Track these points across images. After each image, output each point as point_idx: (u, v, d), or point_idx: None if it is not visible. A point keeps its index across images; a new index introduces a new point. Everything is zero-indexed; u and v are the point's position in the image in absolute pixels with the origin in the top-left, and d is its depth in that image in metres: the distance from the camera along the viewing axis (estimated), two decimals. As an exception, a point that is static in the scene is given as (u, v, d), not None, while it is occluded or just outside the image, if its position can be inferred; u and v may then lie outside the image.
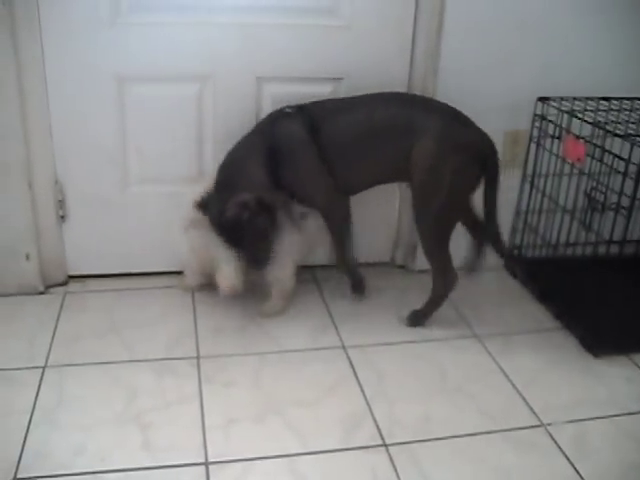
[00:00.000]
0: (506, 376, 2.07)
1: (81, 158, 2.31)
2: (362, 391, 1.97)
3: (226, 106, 2.30)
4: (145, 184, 2.37)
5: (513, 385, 2.03)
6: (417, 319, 2.29)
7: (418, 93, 2.38)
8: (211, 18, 2.22)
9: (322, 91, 2.31)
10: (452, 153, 2.06)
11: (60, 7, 2.12)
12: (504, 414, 1.92)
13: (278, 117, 2.17)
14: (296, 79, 2.32)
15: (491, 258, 2.53)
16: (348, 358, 2.12)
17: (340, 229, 2.28)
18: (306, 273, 2.52)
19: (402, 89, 2.39)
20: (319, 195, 2.20)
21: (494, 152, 2.11)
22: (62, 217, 2.37)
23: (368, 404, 1.92)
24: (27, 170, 2.26)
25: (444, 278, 2.22)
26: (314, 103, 2.18)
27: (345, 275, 2.42)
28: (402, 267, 2.68)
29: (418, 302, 2.31)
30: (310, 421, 1.85)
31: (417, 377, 2.06)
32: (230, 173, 2.17)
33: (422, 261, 2.47)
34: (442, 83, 2.37)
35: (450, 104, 2.16)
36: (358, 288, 2.43)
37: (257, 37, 2.26)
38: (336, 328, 2.27)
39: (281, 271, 2.24)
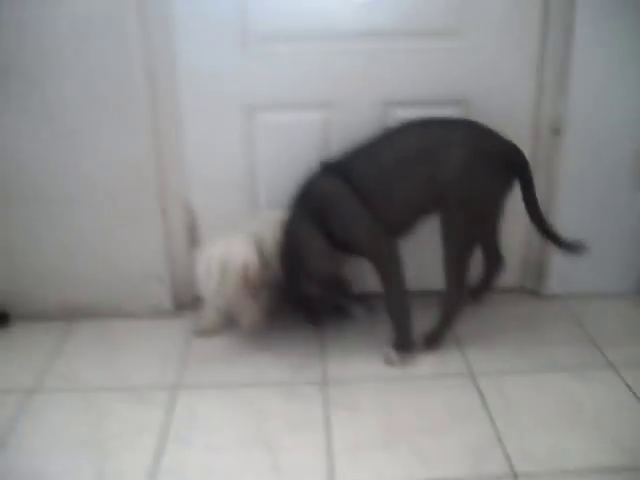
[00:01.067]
0: (646, 409, 1.97)
1: (212, 185, 2.39)
2: (491, 419, 1.92)
3: (352, 132, 2.30)
4: (274, 209, 2.40)
5: (654, 419, 1.93)
6: (432, 342, 2.24)
7: (547, 112, 2.33)
8: (336, 45, 2.25)
9: (448, 114, 2.28)
10: (481, 160, 2.05)
11: (192, 42, 2.21)
12: (644, 449, 1.82)
13: (310, 180, 2.17)
14: (421, 102, 2.30)
15: (627, 283, 2.44)
16: (475, 385, 2.07)
17: (394, 275, 2.17)
18: (434, 298, 2.47)
19: (529, 110, 2.35)
20: (370, 241, 2.15)
21: (523, 157, 2.10)
22: (193, 241, 2.44)
23: (498, 434, 1.87)
24: (160, 197, 2.35)
25: (459, 295, 2.18)
26: (337, 157, 2.18)
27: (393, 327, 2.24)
28: (532, 292, 2.59)
29: (549, 329, 2.24)
30: (438, 449, 1.81)
31: (548, 407, 1.98)
32: (292, 252, 2.18)
33: (554, 285, 2.40)
34: (571, 102, 2.30)
35: (579, 122, 2.18)
36: (401, 347, 2.23)
37: (382, 62, 2.27)
38: (463, 354, 2.22)
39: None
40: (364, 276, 2.33)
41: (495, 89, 2.31)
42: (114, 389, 2.09)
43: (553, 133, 2.35)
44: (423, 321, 2.25)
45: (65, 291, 2.45)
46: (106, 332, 2.40)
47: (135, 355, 2.26)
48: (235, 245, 2.14)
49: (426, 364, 2.18)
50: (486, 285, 2.45)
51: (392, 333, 2.20)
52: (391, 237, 2.16)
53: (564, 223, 2.37)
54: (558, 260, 2.43)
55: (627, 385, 2.06)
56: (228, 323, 2.35)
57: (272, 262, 2.21)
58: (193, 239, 2.45)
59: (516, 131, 2.33)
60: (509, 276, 2.58)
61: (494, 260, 2.39)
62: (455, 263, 2.15)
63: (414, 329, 2.21)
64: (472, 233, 2.15)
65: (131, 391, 2.08)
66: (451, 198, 2.07)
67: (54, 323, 2.43)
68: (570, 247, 2.16)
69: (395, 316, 2.20)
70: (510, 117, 2.33)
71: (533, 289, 2.59)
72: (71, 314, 2.47)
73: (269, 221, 2.27)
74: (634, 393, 2.02)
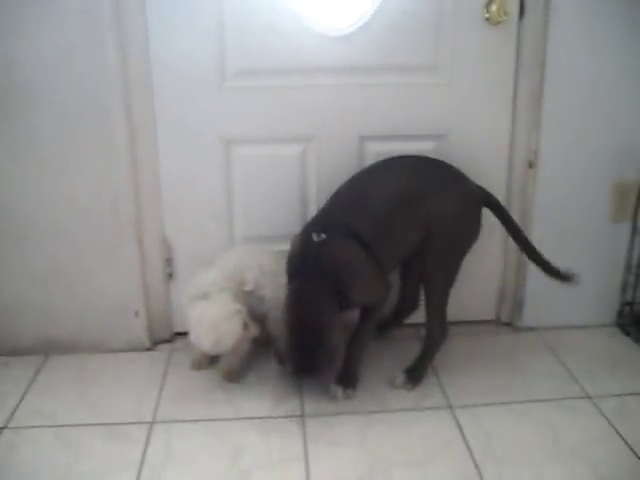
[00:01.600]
0: (624, 440, 1.96)
1: (188, 217, 2.38)
2: (470, 453, 1.91)
3: (329, 165, 2.33)
4: (250, 243, 2.39)
5: (633, 451, 1.92)
6: (415, 376, 2.23)
7: (522, 146, 2.37)
8: (314, 80, 2.26)
9: (425, 148, 2.30)
10: (471, 205, 2.18)
11: (170, 76, 2.22)
12: (623, 481, 1.82)
13: (320, 250, 2.02)
14: (399, 137, 2.33)
15: (602, 315, 2.46)
16: (454, 418, 2.07)
17: (378, 316, 2.22)
18: (411, 330, 2.48)
19: (504, 143, 2.38)
20: (383, 294, 2.17)
21: (495, 199, 2.24)
22: (170, 275, 2.43)
23: (477, 466, 1.86)
24: (137, 230, 2.34)
25: (442, 328, 2.20)
26: (327, 213, 2.14)
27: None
28: (508, 324, 2.60)
29: (526, 361, 2.25)
30: (418, 483, 1.80)
31: (527, 438, 1.98)
32: (306, 326, 2.00)
33: (529, 317, 2.42)
34: (545, 136, 2.34)
35: (553, 155, 2.28)
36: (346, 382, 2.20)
37: (360, 97, 2.29)
38: (441, 386, 2.22)
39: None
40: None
41: (471, 123, 2.34)
42: (90, 425, 2.06)
43: (528, 166, 2.38)
44: (398, 354, 2.27)
45: (40, 325, 2.41)
46: (82, 367, 2.36)
47: (111, 390, 2.22)
48: (225, 305, 2.10)
49: (406, 398, 2.17)
50: (397, 322, 2.45)
51: (343, 369, 2.13)
52: (389, 283, 2.19)
53: (539, 250, 2.39)
54: (533, 292, 2.45)
55: (605, 416, 2.07)
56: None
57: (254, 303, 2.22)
58: (169, 273, 2.43)
59: (491, 164, 2.38)
60: (485, 308, 2.60)
61: (412, 299, 2.40)
62: (438, 299, 2.18)
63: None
64: (455, 271, 2.18)
65: (107, 427, 2.04)
66: (440, 239, 2.11)
67: (28, 358, 2.39)
68: (560, 275, 2.21)
69: (357, 352, 2.18)
70: (486, 150, 2.37)
71: (508, 321, 2.61)
72: (46, 348, 2.43)
73: (247, 256, 2.27)
74: (612, 424, 2.03)
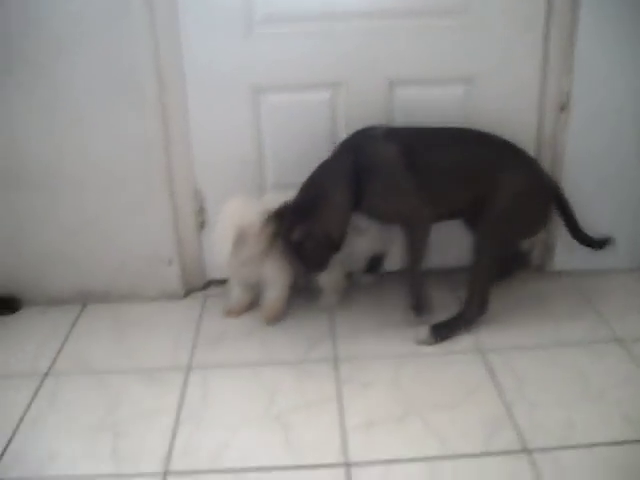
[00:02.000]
0: (655, 382, 1.98)
1: (219, 166, 2.40)
2: (501, 395, 1.94)
3: (358, 111, 2.32)
4: (281, 190, 2.40)
5: (662, 392, 1.94)
6: (440, 334, 2.20)
7: (553, 88, 2.34)
8: (341, 25, 2.24)
9: (454, 92, 2.29)
10: (539, 193, 2.19)
11: (198, 24, 2.21)
12: (653, 422, 1.84)
13: (369, 137, 2.15)
14: (427, 81, 2.31)
15: (633, 259, 2.46)
16: (485, 361, 2.09)
17: (422, 244, 2.21)
18: (442, 275, 2.49)
19: (535, 87, 2.35)
20: (409, 210, 2.16)
21: (562, 192, 2.27)
22: (202, 224, 2.46)
23: (508, 408, 1.89)
24: (168, 180, 2.36)
25: (481, 307, 2.20)
26: (402, 128, 2.21)
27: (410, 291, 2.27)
28: (539, 269, 2.61)
29: (557, 304, 2.25)
30: (450, 424, 1.84)
31: (557, 381, 2.00)
32: (313, 194, 2.13)
33: (560, 261, 2.41)
34: (578, 78, 2.30)
35: (585, 98, 2.27)
36: (418, 308, 2.27)
37: (388, 41, 2.27)
38: (473, 331, 2.23)
39: (330, 277, 2.31)
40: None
41: (501, 67, 2.31)
42: (127, 371, 2.11)
43: (559, 109, 2.36)
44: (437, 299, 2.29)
45: (75, 275, 2.47)
46: (118, 315, 2.42)
47: (147, 337, 2.28)
48: (238, 205, 2.16)
49: (436, 341, 2.20)
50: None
51: (410, 298, 2.24)
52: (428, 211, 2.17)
53: (571, 197, 2.38)
54: (564, 236, 2.44)
55: (634, 359, 2.08)
56: (254, 301, 2.38)
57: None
58: (201, 222, 2.46)
59: (521, 108, 2.36)
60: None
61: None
62: (481, 275, 2.19)
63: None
64: (505, 247, 2.21)
65: (144, 373, 2.10)
66: (498, 215, 2.12)
67: (65, 307, 2.45)
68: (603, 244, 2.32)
69: (411, 280, 2.24)
70: (516, 94, 2.34)
71: (540, 266, 2.61)
72: (82, 298, 2.49)
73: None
74: (642, 366, 2.05)
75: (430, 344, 2.18)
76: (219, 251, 2.14)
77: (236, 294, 2.37)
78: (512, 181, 2.11)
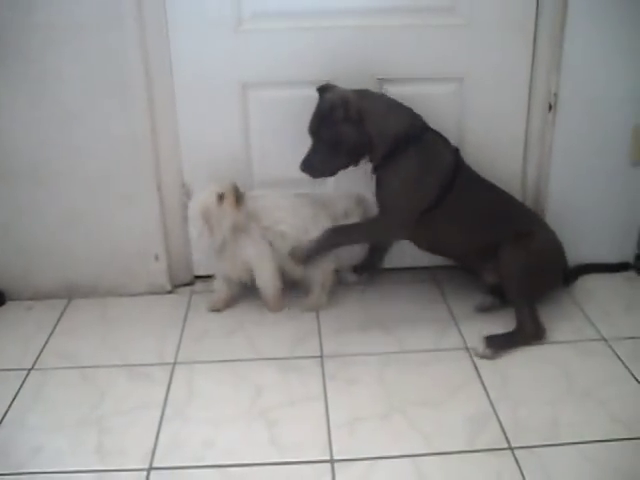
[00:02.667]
0: (638, 382, 1.98)
1: (207, 162, 2.39)
2: (486, 393, 1.95)
3: (346, 108, 2.32)
4: (267, 186, 2.42)
5: (647, 391, 1.96)
6: (496, 346, 2.12)
7: (541, 88, 2.34)
8: (331, 22, 2.24)
9: (443, 91, 2.30)
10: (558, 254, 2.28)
11: (186, 19, 2.21)
12: (637, 422, 1.84)
13: (443, 142, 2.21)
14: (417, 80, 2.31)
15: (620, 258, 2.47)
16: (471, 359, 2.09)
17: (362, 234, 2.29)
18: (426, 274, 2.51)
19: (523, 86, 2.35)
20: (398, 209, 2.18)
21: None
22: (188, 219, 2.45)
23: (493, 406, 1.89)
24: (156, 175, 2.36)
25: (536, 329, 2.16)
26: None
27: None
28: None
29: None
30: (434, 422, 1.84)
31: (542, 380, 2.01)
32: (374, 96, 2.17)
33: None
34: (565, 78, 2.31)
35: (573, 98, 2.29)
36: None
37: (377, 39, 2.27)
38: (459, 329, 2.24)
39: (320, 272, 2.32)
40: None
41: (490, 65, 2.31)
42: (112, 366, 2.11)
43: (547, 109, 2.36)
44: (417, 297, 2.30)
45: (62, 270, 2.46)
46: (104, 310, 2.41)
47: (133, 332, 2.27)
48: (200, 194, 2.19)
49: (422, 339, 2.20)
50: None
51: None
52: (409, 226, 2.21)
53: (557, 197, 2.40)
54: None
55: (619, 357, 2.09)
56: (238, 296, 2.40)
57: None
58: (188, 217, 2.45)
59: (510, 106, 2.37)
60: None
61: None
62: (520, 299, 2.19)
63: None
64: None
65: (130, 368, 2.09)
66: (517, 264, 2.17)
67: (51, 302, 2.45)
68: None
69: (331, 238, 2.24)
70: (504, 93, 2.35)
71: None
72: (68, 292, 2.48)
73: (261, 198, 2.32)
74: (626, 365, 2.05)
75: (488, 357, 2.10)
76: (193, 241, 2.24)
77: (220, 289, 2.37)
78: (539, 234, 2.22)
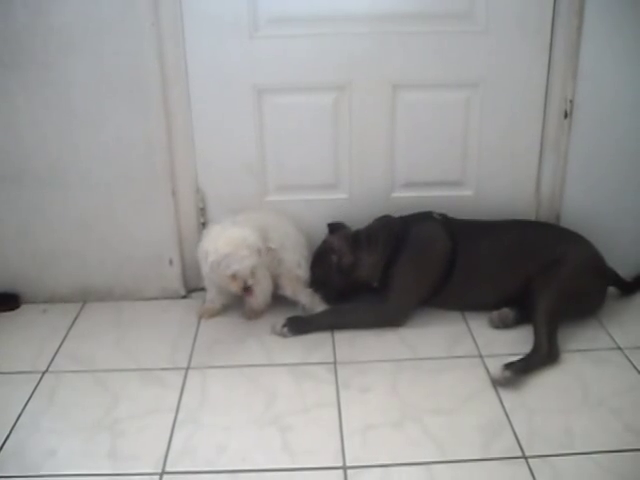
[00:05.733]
0: (655, 391, 1.98)
1: (221, 167, 2.40)
2: (500, 401, 1.93)
3: (361, 114, 2.33)
4: (282, 192, 2.43)
5: (662, 401, 1.94)
6: (513, 368, 2.02)
7: (557, 95, 2.33)
8: (347, 28, 2.24)
9: (458, 97, 2.30)
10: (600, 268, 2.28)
11: (202, 24, 2.21)
12: (653, 431, 1.83)
13: (424, 218, 2.30)
14: (432, 86, 2.32)
15: (635, 266, 2.45)
16: (485, 367, 2.08)
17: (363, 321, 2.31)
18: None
19: (539, 92, 2.34)
20: (402, 296, 2.27)
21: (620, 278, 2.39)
22: (203, 224, 2.46)
23: (507, 414, 1.88)
24: (171, 179, 2.36)
25: (550, 351, 2.10)
26: (456, 219, 2.33)
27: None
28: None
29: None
30: (448, 429, 1.83)
31: (557, 388, 2.00)
32: (362, 238, 2.29)
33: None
34: (582, 85, 2.30)
35: (589, 105, 2.29)
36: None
37: (392, 45, 2.26)
38: (473, 337, 2.24)
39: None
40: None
41: (506, 72, 2.31)
42: (126, 370, 2.11)
43: (563, 116, 2.35)
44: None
45: (77, 273, 2.47)
46: (118, 314, 2.42)
47: (147, 337, 2.28)
48: (224, 237, 2.13)
49: (436, 346, 2.19)
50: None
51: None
52: (412, 308, 2.30)
53: (572, 204, 2.39)
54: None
55: (634, 367, 2.07)
56: (232, 304, 2.39)
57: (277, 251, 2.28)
58: (203, 222, 2.46)
59: (525, 113, 2.36)
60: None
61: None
62: (544, 320, 2.16)
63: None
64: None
65: (144, 372, 2.10)
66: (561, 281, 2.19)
67: (66, 305, 2.46)
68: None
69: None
70: (520, 99, 2.34)
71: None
72: (83, 296, 2.49)
73: (272, 216, 2.33)
74: (642, 375, 2.04)
75: (506, 381, 2.00)
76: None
77: (211, 297, 2.37)
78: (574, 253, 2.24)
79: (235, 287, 2.14)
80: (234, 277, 2.12)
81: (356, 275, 2.29)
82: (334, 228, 2.37)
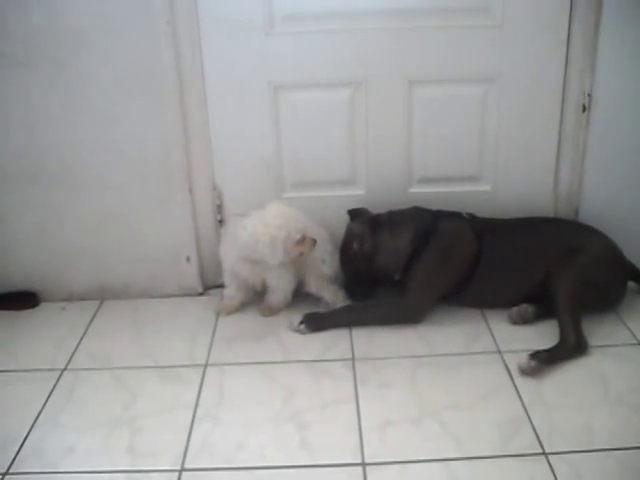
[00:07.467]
0: (675, 387, 1.96)
1: (238, 164, 2.40)
2: (519, 397, 1.92)
3: (378, 110, 2.32)
4: (299, 189, 2.43)
5: (684, 397, 1.92)
6: (542, 360, 2.03)
7: (575, 89, 2.31)
8: (362, 24, 2.23)
9: (475, 92, 2.28)
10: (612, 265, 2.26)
11: (218, 22, 2.21)
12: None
13: (453, 215, 2.29)
14: (448, 81, 2.30)
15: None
16: (504, 363, 2.07)
17: (381, 318, 2.30)
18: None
19: (557, 87, 2.32)
20: (421, 292, 2.26)
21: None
22: (220, 221, 2.46)
23: (526, 410, 1.87)
24: (188, 177, 2.37)
25: (578, 342, 2.09)
26: (482, 219, 2.32)
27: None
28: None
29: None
30: (466, 425, 1.83)
31: (576, 385, 1.98)
32: (384, 223, 2.28)
33: None
34: (600, 79, 2.28)
35: (607, 99, 2.27)
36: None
37: (408, 40, 2.25)
38: (491, 333, 2.22)
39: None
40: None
41: (523, 66, 2.29)
42: (144, 367, 2.12)
43: (581, 110, 2.33)
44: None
45: (95, 271, 2.48)
46: (135, 312, 2.43)
47: (165, 334, 2.29)
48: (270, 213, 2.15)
49: (454, 342, 2.18)
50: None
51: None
52: (431, 304, 2.29)
53: (590, 198, 2.37)
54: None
55: (655, 363, 2.06)
56: (250, 300, 2.40)
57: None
58: (220, 219, 2.46)
59: (543, 108, 2.34)
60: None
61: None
62: (566, 309, 2.16)
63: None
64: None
65: (162, 369, 2.11)
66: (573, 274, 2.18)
67: (84, 302, 2.47)
68: None
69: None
70: (537, 94, 2.32)
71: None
72: (101, 294, 2.50)
73: (292, 210, 2.28)
74: (663, 371, 2.02)
75: (532, 372, 2.01)
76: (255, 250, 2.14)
77: (230, 293, 2.37)
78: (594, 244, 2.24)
79: (295, 251, 2.16)
80: (298, 242, 2.14)
81: (379, 262, 2.27)
82: (355, 214, 2.35)
